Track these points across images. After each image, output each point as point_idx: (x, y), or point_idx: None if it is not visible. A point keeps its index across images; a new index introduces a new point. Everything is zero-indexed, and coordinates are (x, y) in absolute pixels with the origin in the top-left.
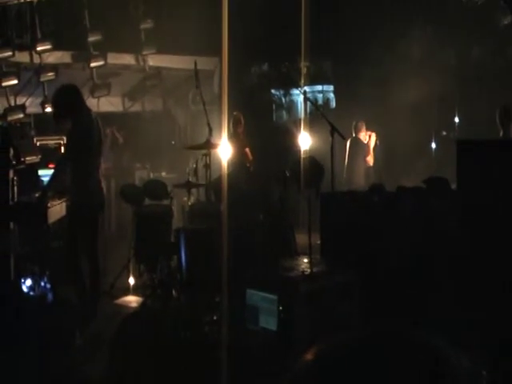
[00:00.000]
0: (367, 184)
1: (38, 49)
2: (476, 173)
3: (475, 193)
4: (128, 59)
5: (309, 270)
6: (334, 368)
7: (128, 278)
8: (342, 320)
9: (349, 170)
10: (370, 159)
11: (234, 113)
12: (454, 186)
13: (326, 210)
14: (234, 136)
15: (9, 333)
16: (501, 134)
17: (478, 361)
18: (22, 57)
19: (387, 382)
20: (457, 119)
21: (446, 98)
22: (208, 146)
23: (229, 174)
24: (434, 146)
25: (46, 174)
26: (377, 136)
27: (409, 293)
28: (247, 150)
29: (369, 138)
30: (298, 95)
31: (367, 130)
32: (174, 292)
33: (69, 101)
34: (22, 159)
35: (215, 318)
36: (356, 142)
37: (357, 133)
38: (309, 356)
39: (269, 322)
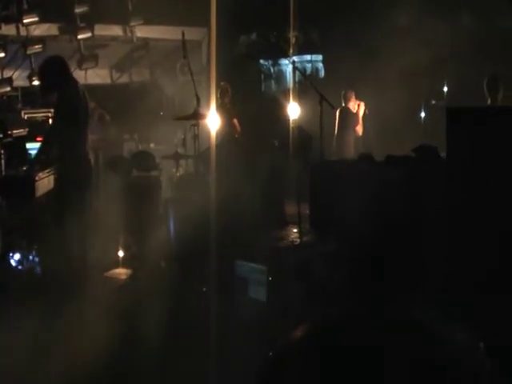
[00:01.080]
0: (357, 153)
1: (25, 21)
2: (465, 140)
3: (464, 160)
4: (115, 30)
5: (298, 240)
6: (322, 345)
7: (117, 250)
8: (331, 289)
9: (338, 140)
10: (360, 128)
11: (221, 83)
12: (443, 155)
13: (315, 179)
14: (221, 106)
15: None
16: (488, 102)
17: (474, 334)
18: (9, 29)
19: (379, 363)
20: (446, 88)
21: (435, 67)
22: (196, 116)
23: (217, 145)
24: (423, 114)
25: (33, 147)
26: (366, 105)
27: (398, 260)
28: (235, 120)
29: (358, 107)
30: (286, 65)
31: (356, 99)
32: (162, 263)
33: (55, 73)
34: (10, 132)
35: (204, 289)
36: (345, 112)
37: (346, 102)
38: (297, 333)
39: (258, 293)
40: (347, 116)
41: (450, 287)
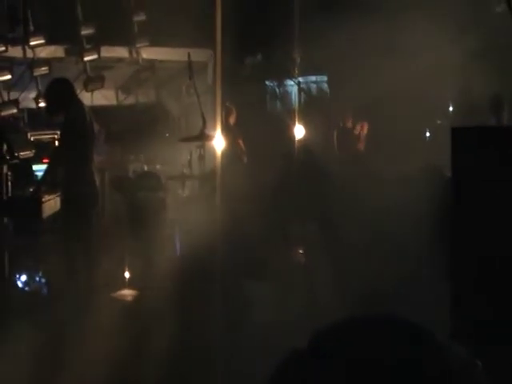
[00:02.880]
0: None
1: (31, 43)
2: (471, 160)
3: (470, 180)
4: (121, 52)
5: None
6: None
7: (123, 270)
8: None
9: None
10: (361, 147)
11: (226, 104)
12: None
13: None
14: (226, 127)
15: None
16: (493, 122)
17: (471, 351)
18: (15, 51)
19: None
20: (451, 108)
21: (441, 86)
22: (202, 137)
23: (222, 166)
24: (428, 134)
25: (40, 168)
26: (369, 125)
27: None
28: (240, 141)
29: (361, 128)
30: (292, 86)
31: (359, 120)
32: (168, 284)
33: (60, 94)
34: (16, 154)
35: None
36: (343, 132)
37: (344, 123)
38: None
39: (265, 312)
40: (345, 135)
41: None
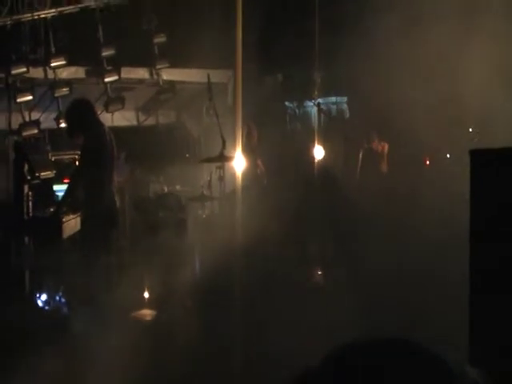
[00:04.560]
0: (380, 191)
1: (52, 64)
2: (490, 183)
3: (489, 203)
4: (142, 73)
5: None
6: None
7: (143, 290)
8: None
9: (361, 179)
10: (384, 166)
11: (247, 125)
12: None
13: None
14: (247, 148)
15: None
16: None
17: (480, 372)
18: (36, 72)
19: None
20: (470, 129)
21: (461, 108)
22: (222, 158)
23: (243, 187)
24: (448, 156)
25: (60, 188)
26: (390, 146)
27: None
28: (259, 162)
29: (382, 148)
30: (311, 107)
31: (380, 140)
32: (188, 304)
33: (81, 115)
34: (37, 174)
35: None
36: (368, 152)
37: (369, 143)
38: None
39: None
40: (370, 156)
41: None
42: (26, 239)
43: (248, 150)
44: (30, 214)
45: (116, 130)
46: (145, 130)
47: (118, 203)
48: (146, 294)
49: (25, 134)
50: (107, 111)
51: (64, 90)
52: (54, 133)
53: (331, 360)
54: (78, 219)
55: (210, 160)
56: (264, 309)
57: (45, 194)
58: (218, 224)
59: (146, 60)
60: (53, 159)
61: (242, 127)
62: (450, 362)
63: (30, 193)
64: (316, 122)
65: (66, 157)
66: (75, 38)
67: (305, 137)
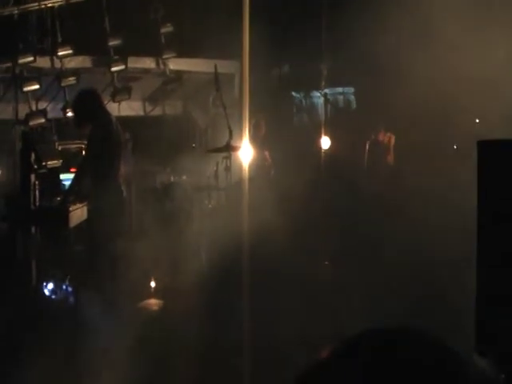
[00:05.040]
0: (387, 183)
1: (59, 54)
2: (497, 175)
3: (496, 195)
4: (148, 63)
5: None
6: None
7: (149, 280)
8: None
9: (368, 171)
10: (391, 158)
11: (256, 118)
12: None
13: None
14: (254, 140)
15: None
16: None
17: (494, 365)
18: (43, 62)
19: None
20: (477, 120)
21: (468, 101)
22: (228, 149)
23: (249, 178)
24: (455, 147)
25: (67, 178)
26: (396, 138)
27: None
28: (267, 153)
29: (388, 139)
30: (318, 97)
31: (387, 132)
32: (194, 295)
33: (88, 105)
34: (44, 164)
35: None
36: (375, 144)
37: (375, 135)
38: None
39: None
40: (377, 147)
41: None
42: (33, 228)
43: (256, 141)
44: (37, 204)
45: (122, 120)
46: (151, 120)
47: (124, 193)
48: (152, 284)
49: (32, 123)
50: (114, 101)
51: (71, 79)
52: (61, 122)
53: (342, 352)
54: (85, 208)
55: (217, 150)
56: (271, 300)
57: (52, 183)
58: (224, 214)
59: (152, 50)
60: (59, 148)
61: (249, 118)
62: (460, 350)
63: (37, 182)
64: (323, 112)
65: (73, 146)
66: (82, 27)
67: (312, 127)
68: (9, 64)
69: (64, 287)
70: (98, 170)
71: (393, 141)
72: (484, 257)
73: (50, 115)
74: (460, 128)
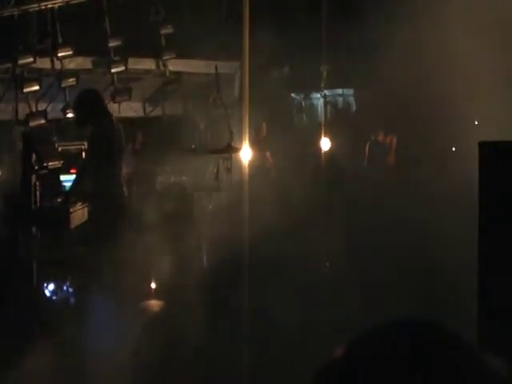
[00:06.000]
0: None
1: (59, 55)
2: (499, 176)
3: (498, 197)
4: (148, 64)
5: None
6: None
7: (150, 281)
8: None
9: (368, 171)
10: (392, 159)
11: (260, 124)
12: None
13: None
14: (255, 141)
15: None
16: None
17: (500, 360)
18: (43, 63)
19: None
20: (476, 122)
21: (467, 105)
22: (229, 150)
23: (249, 178)
24: (454, 149)
25: (68, 179)
26: (397, 139)
27: None
28: (268, 154)
29: (390, 141)
30: (318, 99)
31: (387, 133)
32: (195, 295)
33: (89, 105)
34: (44, 164)
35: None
36: (374, 145)
37: (375, 136)
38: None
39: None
40: (377, 148)
41: None
42: (34, 229)
43: (257, 143)
44: (38, 204)
45: (122, 121)
46: (151, 121)
47: (126, 194)
48: (153, 285)
49: (32, 124)
50: (114, 102)
51: (71, 80)
52: (61, 123)
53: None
54: (86, 209)
55: (217, 151)
56: (271, 300)
57: (52, 184)
58: (225, 215)
59: (152, 51)
60: (60, 149)
61: (250, 119)
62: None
63: (38, 183)
64: (322, 113)
65: (73, 147)
66: (82, 28)
67: (311, 128)
68: (9, 65)
69: (65, 288)
70: (99, 171)
71: (394, 142)
72: (484, 257)
73: (50, 116)
74: (459, 130)
